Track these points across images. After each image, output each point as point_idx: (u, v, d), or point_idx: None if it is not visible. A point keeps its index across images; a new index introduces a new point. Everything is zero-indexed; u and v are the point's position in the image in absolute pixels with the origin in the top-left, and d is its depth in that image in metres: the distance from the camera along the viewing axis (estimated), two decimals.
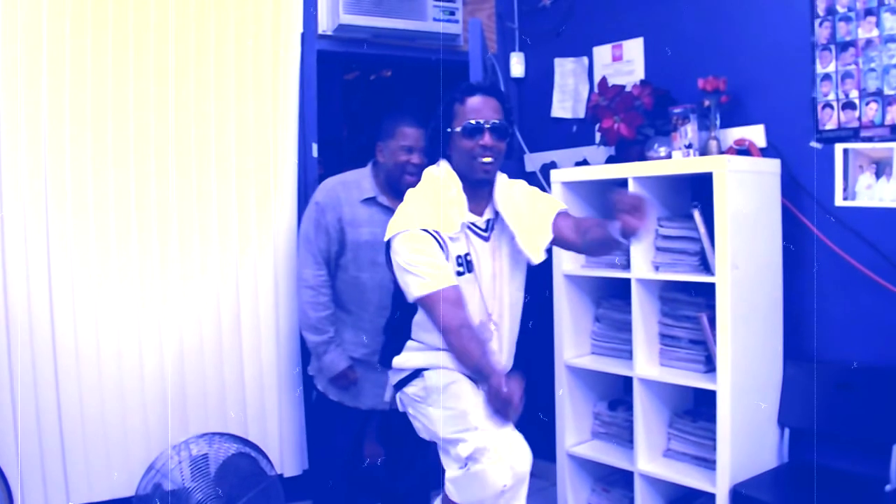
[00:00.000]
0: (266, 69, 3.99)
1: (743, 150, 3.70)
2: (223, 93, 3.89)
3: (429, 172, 2.87)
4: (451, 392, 2.76)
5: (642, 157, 3.85)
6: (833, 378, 3.46)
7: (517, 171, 4.60)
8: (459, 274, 2.77)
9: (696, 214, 3.50)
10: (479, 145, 2.76)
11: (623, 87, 4.03)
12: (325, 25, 4.26)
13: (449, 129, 2.81)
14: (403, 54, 4.53)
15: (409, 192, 2.86)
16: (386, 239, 2.78)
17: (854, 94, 3.41)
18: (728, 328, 3.33)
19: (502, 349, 2.93)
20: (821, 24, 3.48)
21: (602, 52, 4.46)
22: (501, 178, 2.93)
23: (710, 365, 3.57)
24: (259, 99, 3.97)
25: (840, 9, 3.42)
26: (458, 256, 2.77)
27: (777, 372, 3.60)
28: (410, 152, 3.60)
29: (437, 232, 2.70)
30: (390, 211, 3.47)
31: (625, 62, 4.34)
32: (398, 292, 2.86)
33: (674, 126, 3.71)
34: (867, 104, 3.37)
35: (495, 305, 2.87)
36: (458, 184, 2.81)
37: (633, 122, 3.86)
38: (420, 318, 2.86)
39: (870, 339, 3.39)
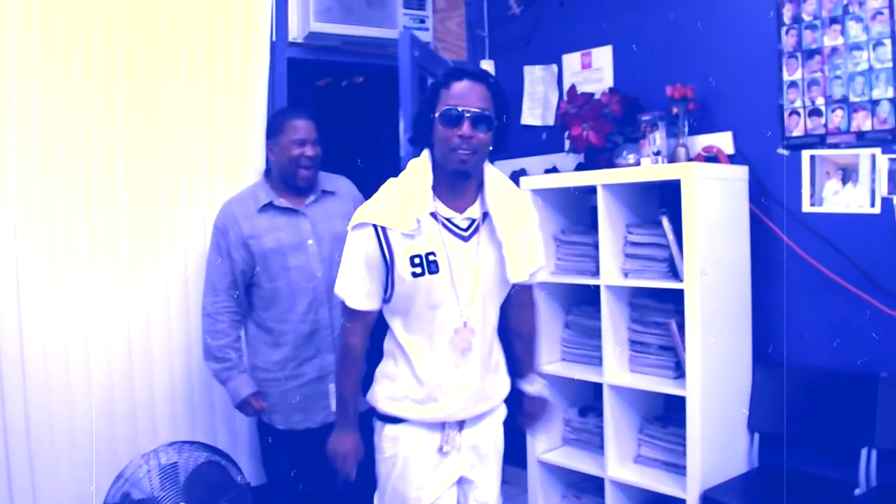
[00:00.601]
0: (236, 77, 3.95)
1: (711, 156, 3.71)
2: (193, 101, 3.84)
3: (410, 163, 2.60)
4: (395, 487, 2.64)
5: (611, 165, 3.85)
6: (802, 383, 3.47)
7: None
8: (416, 275, 2.50)
9: (665, 221, 3.51)
10: (457, 135, 2.44)
11: (592, 94, 4.02)
12: (295, 33, 4.23)
13: (432, 116, 2.50)
14: (374, 62, 4.52)
15: (387, 182, 2.61)
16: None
17: (820, 101, 3.44)
18: (697, 334, 3.33)
19: (480, 361, 2.61)
20: (787, 32, 3.50)
21: (571, 60, 4.48)
22: (495, 175, 2.61)
23: (679, 371, 3.58)
24: (229, 108, 3.94)
25: (806, 17, 3.45)
26: (416, 256, 2.50)
27: (746, 377, 3.61)
28: (303, 145, 3.46)
29: (383, 228, 2.48)
30: (292, 212, 3.48)
31: (594, 70, 4.35)
32: None
33: (642, 133, 3.72)
34: (833, 111, 3.40)
35: (474, 314, 2.56)
36: (427, 177, 2.53)
37: (602, 130, 3.86)
38: (396, 325, 2.63)
39: (838, 344, 3.42)
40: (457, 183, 2.53)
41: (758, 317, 3.62)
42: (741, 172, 3.60)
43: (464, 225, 2.55)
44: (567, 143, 4.15)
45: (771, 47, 3.57)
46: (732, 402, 3.55)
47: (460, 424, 2.64)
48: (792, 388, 3.49)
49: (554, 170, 4.48)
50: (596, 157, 3.95)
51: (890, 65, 3.25)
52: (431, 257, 2.50)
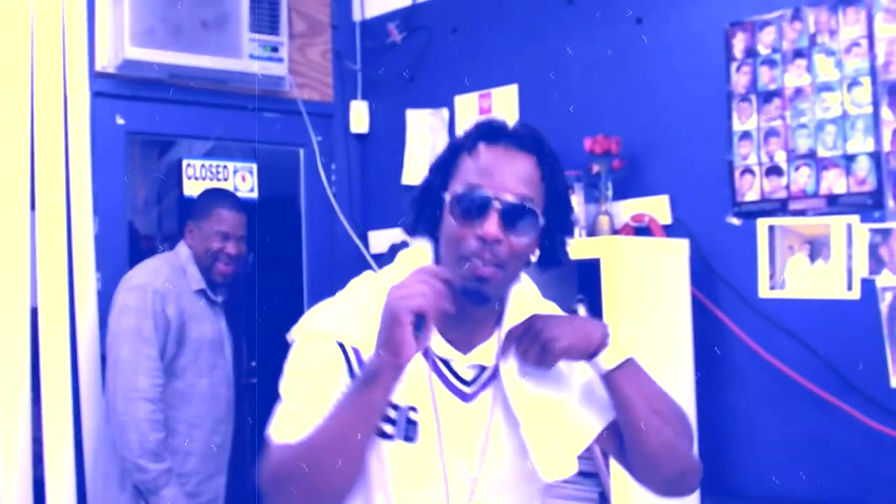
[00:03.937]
0: (19, 118, 3.71)
1: (642, 227, 3.68)
2: None
3: (401, 257, 2.03)
4: None
5: None
6: None
7: (355, 255, 4.62)
8: (384, 436, 1.86)
9: (582, 311, 3.43)
10: (477, 235, 1.81)
11: None
12: (104, 61, 4.05)
13: (441, 194, 1.90)
14: (211, 101, 4.40)
15: (361, 278, 2.04)
16: (290, 337, 1.95)
17: (780, 157, 3.41)
18: None
19: None
20: (738, 70, 3.50)
21: (466, 103, 4.44)
22: (525, 298, 2.04)
23: None
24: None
25: (762, 50, 3.43)
26: (391, 406, 1.86)
27: None
28: (226, 239, 3.65)
29: (356, 350, 1.87)
30: (215, 305, 3.70)
31: (495, 115, 4.13)
32: None
33: None
34: (797, 169, 3.38)
35: None
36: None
37: None
38: None
39: (811, 467, 3.33)
40: (466, 308, 1.88)
41: (705, 434, 3.38)
42: (680, 247, 3.54)
43: (467, 375, 1.95)
44: None
45: (717, 88, 3.56)
46: None
47: None
48: None
49: None
50: None
51: (869, 109, 3.23)
52: (411, 415, 1.90)
